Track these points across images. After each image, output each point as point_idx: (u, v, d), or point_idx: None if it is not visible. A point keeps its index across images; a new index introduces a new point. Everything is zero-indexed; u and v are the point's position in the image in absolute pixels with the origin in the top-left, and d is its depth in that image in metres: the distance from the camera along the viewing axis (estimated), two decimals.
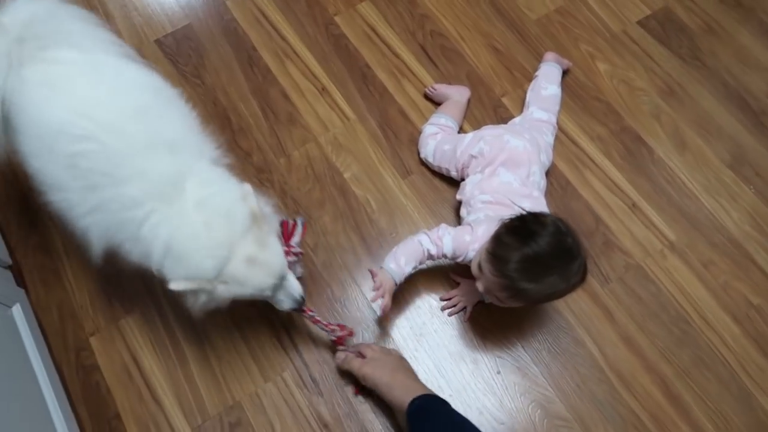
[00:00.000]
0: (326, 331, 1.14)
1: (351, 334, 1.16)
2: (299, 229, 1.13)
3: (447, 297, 1.26)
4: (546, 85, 1.40)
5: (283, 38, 1.58)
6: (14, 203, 1.39)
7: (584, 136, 1.42)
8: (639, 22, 1.57)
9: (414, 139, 1.42)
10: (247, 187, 0.97)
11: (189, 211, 0.94)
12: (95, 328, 1.27)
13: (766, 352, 1.21)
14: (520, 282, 0.97)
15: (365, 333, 1.25)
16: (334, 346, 1.20)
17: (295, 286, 1.03)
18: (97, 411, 1.20)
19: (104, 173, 0.94)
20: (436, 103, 1.46)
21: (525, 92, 1.47)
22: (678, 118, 1.44)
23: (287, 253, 1.05)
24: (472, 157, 1.25)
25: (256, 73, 1.53)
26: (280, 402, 1.19)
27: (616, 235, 1.32)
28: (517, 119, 1.37)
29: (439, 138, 1.33)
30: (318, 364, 1.22)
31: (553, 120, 1.36)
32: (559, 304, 1.26)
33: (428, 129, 1.37)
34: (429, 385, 1.18)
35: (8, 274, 1.25)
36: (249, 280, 0.96)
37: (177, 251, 0.93)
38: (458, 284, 1.27)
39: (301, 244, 1.13)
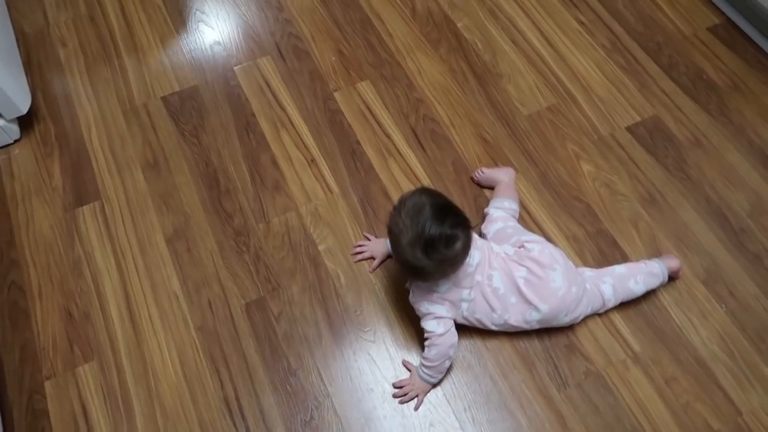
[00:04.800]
0: None
1: None
2: None
3: (399, 385, 1.25)
4: (641, 282, 1.30)
5: (282, 108, 1.64)
6: (0, 240, 1.44)
7: (560, 234, 1.43)
8: (628, 128, 1.60)
9: None
10: None
11: None
12: (52, 373, 1.28)
13: None
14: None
15: (314, 411, 1.24)
16: None
17: None
18: None
19: None
20: (482, 187, 1.50)
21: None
22: (656, 227, 1.45)
23: None
24: (523, 245, 1.26)
25: (251, 138, 1.59)
26: None
27: (580, 339, 1.30)
28: (587, 270, 1.32)
29: (510, 224, 1.34)
30: None
31: (610, 305, 1.30)
32: (513, 404, 1.24)
33: (496, 213, 1.36)
34: None
35: None
36: None
37: None
38: (410, 371, 1.26)
39: None
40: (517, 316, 1.22)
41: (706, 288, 1.37)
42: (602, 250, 1.42)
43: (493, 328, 1.25)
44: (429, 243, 1.07)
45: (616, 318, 1.33)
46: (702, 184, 1.51)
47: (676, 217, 1.46)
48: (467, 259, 1.16)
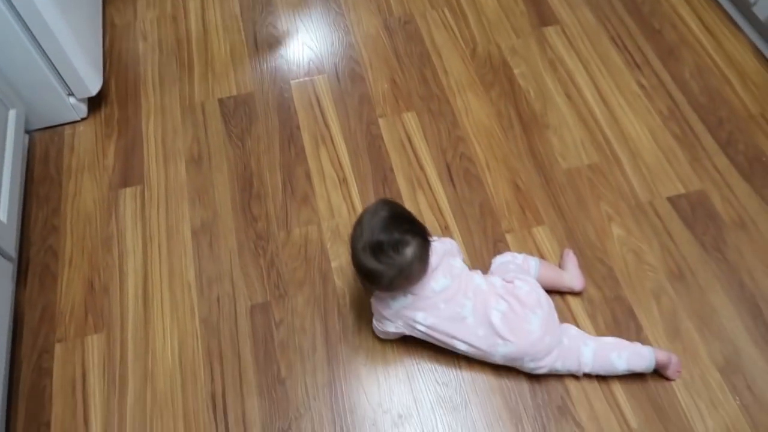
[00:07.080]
0: None
1: None
2: None
3: None
4: (624, 358, 1.24)
5: (327, 125, 1.70)
6: (48, 206, 1.56)
7: (574, 294, 1.39)
8: (669, 198, 1.54)
9: None
10: None
11: None
12: (64, 336, 1.37)
13: None
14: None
15: (293, 422, 1.25)
16: None
17: None
18: (34, 413, 1.28)
19: None
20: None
21: (529, 233, 1.48)
22: (680, 304, 1.38)
23: None
24: (513, 281, 1.27)
25: (291, 149, 1.65)
26: None
27: (575, 403, 1.25)
28: (573, 328, 1.28)
29: (517, 261, 1.36)
30: None
31: (586, 369, 1.25)
32: None
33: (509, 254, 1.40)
34: None
35: (9, 266, 1.37)
36: None
37: None
38: None
39: None
40: (482, 343, 1.21)
41: (722, 377, 1.28)
42: (617, 318, 1.36)
43: (460, 348, 1.23)
44: (378, 245, 1.10)
45: (617, 389, 1.27)
46: (739, 269, 1.43)
47: (704, 297, 1.39)
48: (430, 283, 1.18)
